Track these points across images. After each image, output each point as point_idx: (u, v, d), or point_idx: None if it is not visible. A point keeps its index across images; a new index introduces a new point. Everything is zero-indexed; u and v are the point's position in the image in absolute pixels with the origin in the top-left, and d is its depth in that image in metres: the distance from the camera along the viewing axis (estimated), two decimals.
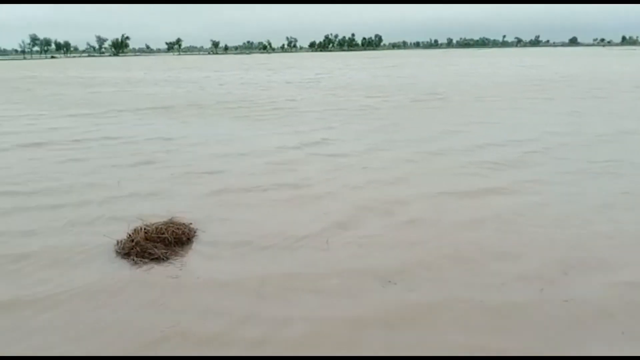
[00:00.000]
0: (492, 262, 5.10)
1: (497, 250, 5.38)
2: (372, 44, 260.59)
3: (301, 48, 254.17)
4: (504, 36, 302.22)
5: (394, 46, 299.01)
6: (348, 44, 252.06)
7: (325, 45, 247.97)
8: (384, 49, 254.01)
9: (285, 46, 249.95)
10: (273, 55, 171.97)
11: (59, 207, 7.00)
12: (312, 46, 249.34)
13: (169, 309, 4.31)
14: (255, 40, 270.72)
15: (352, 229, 6.04)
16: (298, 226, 6.11)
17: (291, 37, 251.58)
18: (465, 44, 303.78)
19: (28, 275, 4.98)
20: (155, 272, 5.02)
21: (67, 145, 11.60)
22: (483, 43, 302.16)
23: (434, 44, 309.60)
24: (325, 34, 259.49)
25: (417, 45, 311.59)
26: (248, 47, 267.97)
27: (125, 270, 5.09)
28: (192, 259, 5.34)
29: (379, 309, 4.21)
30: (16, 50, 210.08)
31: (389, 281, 4.70)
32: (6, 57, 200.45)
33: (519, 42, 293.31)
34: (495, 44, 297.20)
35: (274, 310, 4.22)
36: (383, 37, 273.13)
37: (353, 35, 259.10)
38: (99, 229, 6.10)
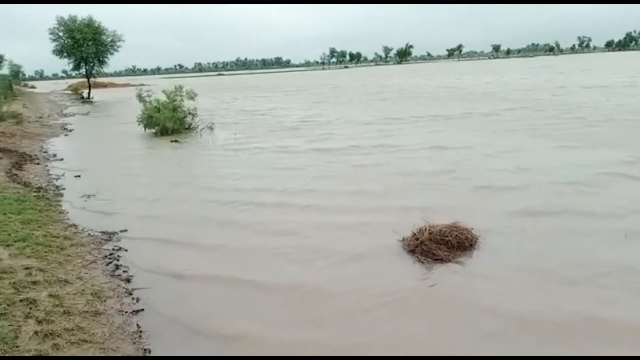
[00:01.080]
0: None
1: None
2: None
3: (595, 48, 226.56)
4: None
5: None
6: None
7: (626, 44, 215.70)
8: None
9: (576, 47, 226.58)
10: (560, 57, 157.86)
11: (354, 206, 7.84)
12: (609, 45, 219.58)
13: (461, 306, 4.54)
14: (541, 42, 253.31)
15: None
16: (598, 261, 5.35)
17: (583, 37, 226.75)
18: None
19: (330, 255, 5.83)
20: (439, 272, 5.31)
21: (360, 149, 12.61)
22: None
23: None
24: (627, 31, 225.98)
25: None
26: (532, 50, 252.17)
27: (413, 265, 5.53)
28: (474, 265, 5.42)
29: None
30: (317, 62, 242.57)
31: None
32: (309, 67, 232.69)
33: None
34: None
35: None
36: None
37: None
38: (388, 225, 6.63)
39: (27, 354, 3.56)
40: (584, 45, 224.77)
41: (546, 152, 11.14)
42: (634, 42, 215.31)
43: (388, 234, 6.31)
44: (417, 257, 5.63)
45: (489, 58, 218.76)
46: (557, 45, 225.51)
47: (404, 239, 6.10)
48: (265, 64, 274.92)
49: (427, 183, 8.90)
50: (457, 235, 5.81)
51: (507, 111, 18.95)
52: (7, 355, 3.53)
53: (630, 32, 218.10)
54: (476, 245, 5.84)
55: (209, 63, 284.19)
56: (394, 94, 33.12)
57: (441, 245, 5.71)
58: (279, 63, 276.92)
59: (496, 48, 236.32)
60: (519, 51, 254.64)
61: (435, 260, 5.52)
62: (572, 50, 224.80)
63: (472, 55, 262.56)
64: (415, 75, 64.88)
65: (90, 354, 3.75)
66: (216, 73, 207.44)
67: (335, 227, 6.81)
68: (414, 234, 6.05)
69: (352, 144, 13.32)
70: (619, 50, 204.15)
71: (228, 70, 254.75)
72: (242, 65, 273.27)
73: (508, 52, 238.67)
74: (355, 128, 16.72)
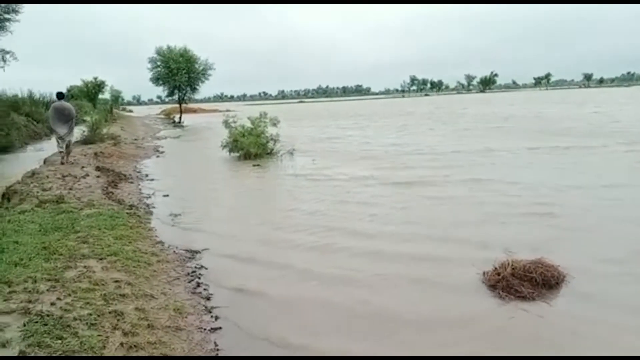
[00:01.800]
0: None
1: None
2: None
3: None
4: None
5: None
6: None
7: None
8: None
9: None
10: None
11: (430, 252, 7.31)
12: None
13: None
14: (637, 71, 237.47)
15: None
16: None
17: None
18: None
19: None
20: (522, 310, 5.03)
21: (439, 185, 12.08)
22: None
23: None
24: None
25: None
26: (627, 79, 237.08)
27: (493, 301, 5.31)
28: (561, 304, 5.12)
29: None
30: (397, 90, 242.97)
31: None
32: (389, 95, 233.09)
33: None
34: None
35: None
36: None
37: None
38: (469, 258, 6.43)
39: None
40: None
41: None
42: None
43: (468, 267, 6.10)
44: (499, 293, 5.39)
45: (580, 87, 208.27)
46: None
47: (484, 274, 5.88)
48: (345, 92, 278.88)
49: (517, 222, 8.22)
50: (542, 272, 5.50)
51: (609, 146, 17.38)
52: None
53: None
54: (562, 284, 5.50)
55: (291, 90, 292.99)
56: (480, 123, 32.14)
57: (525, 282, 5.44)
58: (358, 91, 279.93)
59: (588, 77, 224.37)
60: (612, 80, 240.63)
61: (518, 297, 5.26)
62: None
63: (561, 83, 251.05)
64: (501, 104, 62.93)
65: None
66: (297, 100, 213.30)
67: (405, 277, 6.09)
68: (496, 268, 5.82)
69: (436, 176, 12.73)
70: None
71: (309, 97, 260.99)
72: (323, 92, 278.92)
73: (601, 81, 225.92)
74: (439, 159, 16.17)
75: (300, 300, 5.60)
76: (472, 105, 66.46)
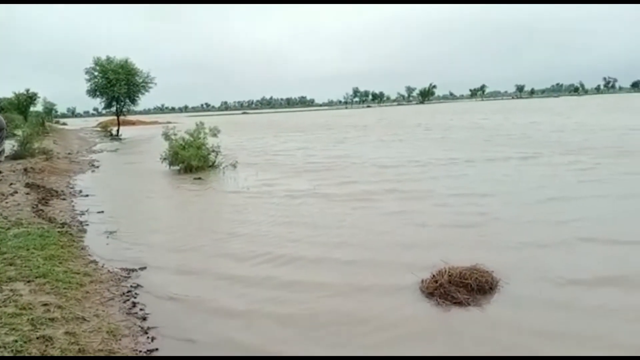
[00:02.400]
0: None
1: None
2: None
3: (621, 89, 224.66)
4: None
5: None
6: None
7: None
8: None
9: (601, 87, 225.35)
10: (585, 97, 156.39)
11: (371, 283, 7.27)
12: (635, 86, 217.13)
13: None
14: (565, 82, 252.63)
15: None
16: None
17: (609, 77, 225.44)
18: None
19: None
20: (458, 316, 5.20)
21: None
22: None
23: None
24: None
25: None
26: (556, 90, 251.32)
27: (431, 309, 5.43)
28: (494, 309, 5.30)
29: None
30: (339, 101, 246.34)
31: None
32: (332, 107, 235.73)
33: None
34: None
35: None
36: None
37: None
38: (408, 265, 6.54)
39: None
40: (609, 86, 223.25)
41: (601, 203, 10.04)
42: None
43: (408, 274, 6.21)
44: (437, 300, 5.52)
45: (512, 98, 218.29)
46: (582, 85, 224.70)
47: (423, 281, 6.00)
48: (289, 103, 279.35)
49: (459, 236, 8.15)
50: (477, 278, 5.69)
51: (546, 155, 17.71)
52: None
53: None
54: (496, 289, 5.71)
55: (234, 102, 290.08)
56: (421, 134, 32.74)
57: (460, 288, 5.60)
58: (302, 102, 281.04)
59: (520, 88, 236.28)
60: (542, 91, 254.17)
61: (454, 303, 5.41)
62: (597, 90, 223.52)
63: (496, 95, 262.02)
64: (441, 115, 64.94)
65: None
66: (241, 111, 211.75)
67: (344, 306, 5.61)
68: (433, 275, 5.96)
69: (380, 191, 12.44)
70: None
71: (253, 108, 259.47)
72: (267, 104, 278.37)
73: (532, 92, 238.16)
74: (383, 173, 15.97)
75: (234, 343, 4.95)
76: (412, 116, 68.15)
